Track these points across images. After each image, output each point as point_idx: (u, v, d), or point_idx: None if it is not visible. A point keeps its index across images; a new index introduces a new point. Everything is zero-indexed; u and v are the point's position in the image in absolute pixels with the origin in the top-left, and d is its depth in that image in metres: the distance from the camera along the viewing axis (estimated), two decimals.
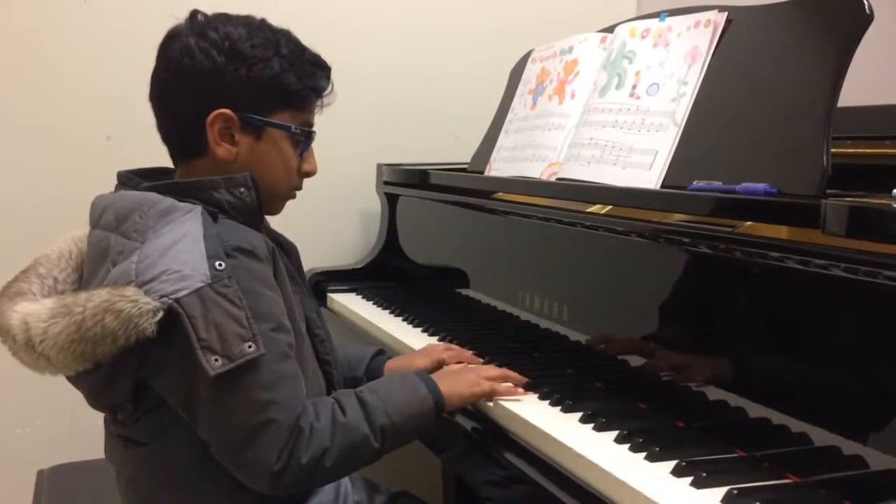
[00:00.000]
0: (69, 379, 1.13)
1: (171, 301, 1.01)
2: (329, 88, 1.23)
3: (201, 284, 1.02)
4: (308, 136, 1.23)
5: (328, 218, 2.25)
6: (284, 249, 1.26)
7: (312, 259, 2.08)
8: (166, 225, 1.08)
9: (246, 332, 1.03)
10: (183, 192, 1.14)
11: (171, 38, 1.18)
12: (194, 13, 1.19)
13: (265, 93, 1.17)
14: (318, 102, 1.23)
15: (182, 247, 1.05)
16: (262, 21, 1.21)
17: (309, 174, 1.25)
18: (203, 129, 1.15)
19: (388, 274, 2.11)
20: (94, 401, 1.17)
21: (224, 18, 1.19)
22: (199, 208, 1.10)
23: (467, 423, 1.26)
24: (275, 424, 1.05)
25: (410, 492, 1.36)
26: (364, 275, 2.12)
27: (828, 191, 1.06)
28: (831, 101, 1.11)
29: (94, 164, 1.98)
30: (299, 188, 1.26)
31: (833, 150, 1.09)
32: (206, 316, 1.02)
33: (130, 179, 1.20)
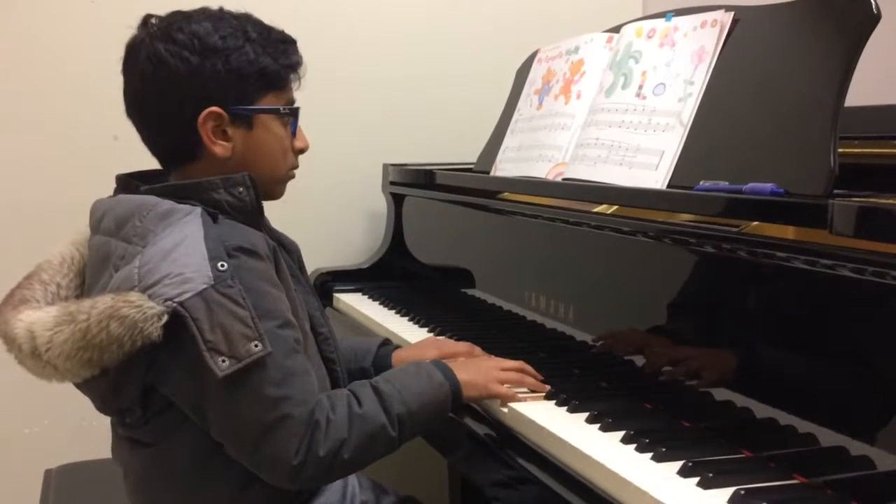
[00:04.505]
0: (77, 386, 1.13)
1: (175, 304, 1.01)
2: (301, 61, 1.23)
3: (204, 286, 1.02)
4: (295, 113, 1.23)
5: (334, 218, 2.25)
6: (286, 248, 1.26)
7: (318, 259, 2.09)
8: (166, 228, 1.08)
9: (251, 331, 1.03)
10: (182, 194, 1.13)
11: (134, 49, 1.17)
12: (147, 18, 1.18)
13: (246, 81, 1.16)
14: (295, 77, 1.22)
15: (183, 249, 1.05)
16: (222, 9, 1.20)
17: (303, 150, 1.25)
18: (194, 132, 1.15)
19: (395, 274, 2.11)
20: (103, 406, 1.17)
21: (183, 16, 1.17)
22: (198, 210, 1.10)
23: (473, 424, 1.26)
24: (290, 419, 1.05)
25: (417, 498, 1.36)
26: (370, 275, 2.13)
27: (835, 191, 1.06)
28: (838, 101, 1.11)
29: (101, 164, 1.97)
30: (297, 167, 1.26)
31: (840, 149, 1.09)
32: (210, 318, 1.02)
33: (129, 183, 1.20)
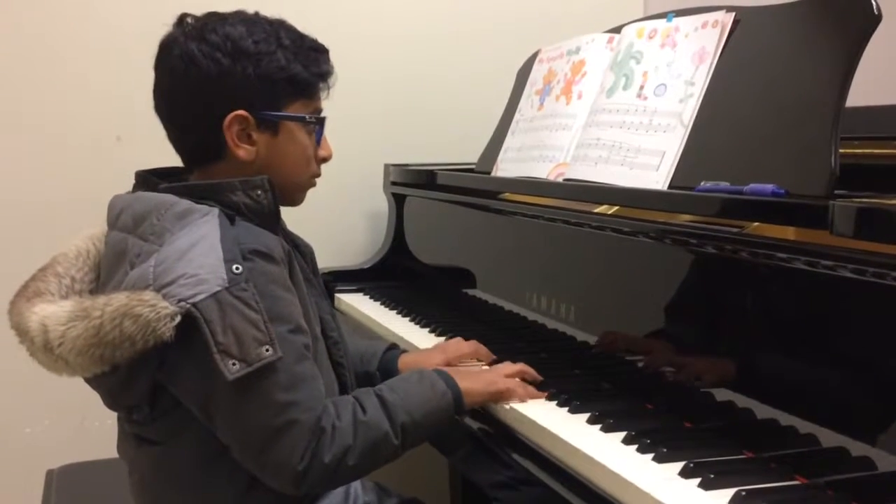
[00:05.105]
0: (86, 380, 1.13)
1: (188, 305, 1.01)
2: (332, 70, 1.23)
3: (218, 288, 1.03)
4: (321, 122, 1.23)
5: (336, 218, 2.25)
6: (300, 251, 1.27)
7: (320, 259, 2.05)
8: (183, 228, 1.08)
9: (263, 335, 1.03)
10: (200, 195, 1.14)
11: (167, 46, 1.17)
12: (183, 17, 1.18)
13: (276, 87, 1.17)
14: (325, 86, 1.23)
15: (199, 250, 1.05)
16: (257, 14, 1.20)
17: (326, 159, 1.26)
18: (219, 133, 1.15)
19: (396, 274, 2.11)
20: (111, 401, 1.17)
21: (218, 18, 1.17)
22: (216, 211, 1.10)
23: (475, 425, 1.26)
24: (297, 425, 1.05)
25: (419, 499, 1.36)
26: (371, 275, 2.13)
27: (836, 191, 1.06)
28: (839, 102, 1.11)
29: (104, 164, 1.99)
30: (319, 175, 1.26)
31: (841, 150, 1.09)
32: (223, 320, 1.02)
33: (148, 180, 1.20)
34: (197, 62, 1.14)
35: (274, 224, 1.18)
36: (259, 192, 1.14)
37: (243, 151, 1.17)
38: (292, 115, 1.19)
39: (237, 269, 1.04)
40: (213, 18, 1.17)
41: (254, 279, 1.06)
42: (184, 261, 1.04)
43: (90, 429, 2.03)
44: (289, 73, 1.17)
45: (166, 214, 1.10)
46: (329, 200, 2.17)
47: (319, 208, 2.12)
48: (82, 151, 2.05)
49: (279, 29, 1.18)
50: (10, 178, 2.02)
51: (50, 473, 1.70)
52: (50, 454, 1.80)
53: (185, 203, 1.11)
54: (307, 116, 1.20)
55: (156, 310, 1.01)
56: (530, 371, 1.29)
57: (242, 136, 1.16)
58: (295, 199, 1.25)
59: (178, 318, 1.01)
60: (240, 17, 1.18)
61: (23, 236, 1.97)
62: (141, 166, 1.23)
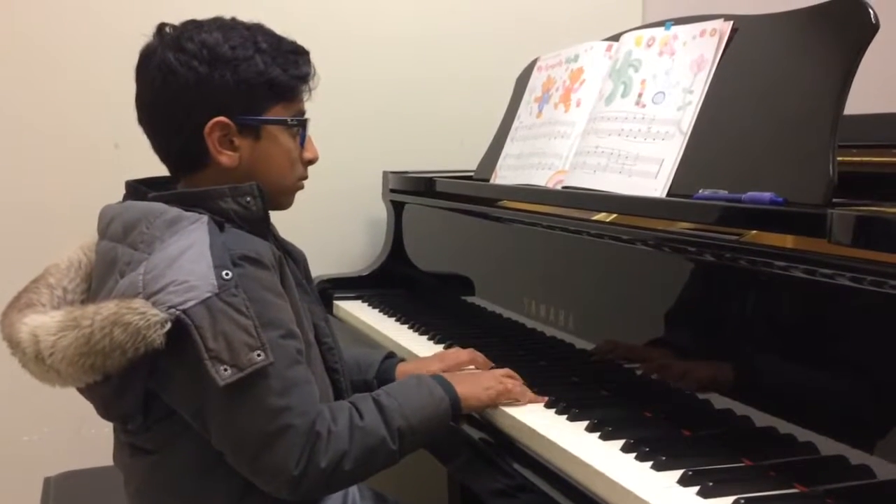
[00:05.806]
0: (80, 390, 1.13)
1: (178, 312, 1.01)
2: (312, 72, 1.23)
3: (209, 294, 1.02)
4: (304, 124, 1.23)
5: (334, 225, 2.25)
6: (293, 257, 1.27)
7: (318, 266, 2.07)
8: (173, 235, 1.08)
9: (254, 340, 1.03)
10: (189, 202, 1.14)
11: (147, 57, 1.17)
12: (162, 26, 1.18)
13: (255, 92, 1.16)
14: (306, 88, 1.22)
15: (189, 257, 1.05)
16: (234, 20, 1.20)
17: (312, 161, 1.25)
18: (201, 141, 1.15)
19: (394, 281, 2.11)
20: (105, 411, 1.17)
21: (195, 25, 1.17)
22: (205, 218, 1.10)
23: (473, 432, 1.26)
24: (291, 430, 1.05)
25: None
26: (370, 282, 2.13)
27: (833, 200, 1.06)
28: (837, 110, 1.11)
29: (102, 172, 1.98)
30: (306, 177, 1.26)
31: (839, 158, 1.09)
32: (213, 326, 1.02)
33: (138, 189, 1.20)
34: (174, 71, 1.14)
35: (264, 230, 1.18)
36: (248, 198, 1.15)
37: (226, 158, 1.17)
38: (273, 118, 1.19)
39: (227, 275, 1.04)
40: (190, 26, 1.17)
41: (244, 285, 1.06)
42: (173, 268, 1.04)
43: (88, 437, 2.02)
44: (267, 77, 1.16)
45: (156, 222, 1.10)
46: (328, 207, 2.19)
47: (318, 215, 2.13)
48: (80, 158, 2.05)
49: (256, 33, 1.18)
50: (8, 184, 2.02)
51: (47, 481, 1.70)
52: (47, 462, 1.80)
53: (175, 211, 1.11)
54: (289, 119, 1.20)
55: (145, 317, 1.01)
56: (530, 394, 1.28)
57: (224, 143, 1.16)
58: (282, 203, 1.24)
59: (169, 325, 1.01)
60: (216, 23, 1.18)
61: (20, 243, 1.97)
62: (139, 174, 1.24)
